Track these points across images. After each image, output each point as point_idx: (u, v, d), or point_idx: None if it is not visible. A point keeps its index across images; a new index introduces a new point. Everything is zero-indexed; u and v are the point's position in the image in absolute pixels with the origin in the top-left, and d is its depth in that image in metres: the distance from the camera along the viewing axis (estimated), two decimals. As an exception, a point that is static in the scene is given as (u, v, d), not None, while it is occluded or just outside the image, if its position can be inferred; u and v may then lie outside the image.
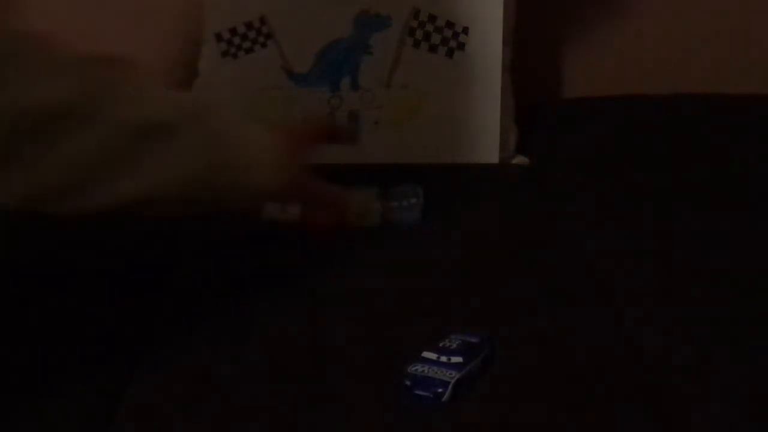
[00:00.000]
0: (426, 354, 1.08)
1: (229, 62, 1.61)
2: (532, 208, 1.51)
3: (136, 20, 1.77)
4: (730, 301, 1.23)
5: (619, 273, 1.31)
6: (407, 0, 1.61)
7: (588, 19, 1.86)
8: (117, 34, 1.77)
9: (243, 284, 1.27)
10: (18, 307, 1.18)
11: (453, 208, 1.45)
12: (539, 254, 1.36)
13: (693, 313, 1.21)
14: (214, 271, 1.31)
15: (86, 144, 0.98)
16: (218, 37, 1.60)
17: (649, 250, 1.36)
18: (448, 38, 1.61)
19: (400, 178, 1.45)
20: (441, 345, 1.09)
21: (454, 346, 1.09)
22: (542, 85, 1.87)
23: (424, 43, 1.61)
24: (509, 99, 1.65)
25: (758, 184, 1.52)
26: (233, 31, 1.60)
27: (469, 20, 1.61)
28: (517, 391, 1.07)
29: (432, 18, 1.61)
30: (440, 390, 1.04)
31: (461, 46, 1.62)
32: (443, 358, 1.07)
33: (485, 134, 1.63)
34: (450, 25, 1.61)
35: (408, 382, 1.05)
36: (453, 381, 1.04)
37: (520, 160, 1.65)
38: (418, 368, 1.06)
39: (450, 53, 1.62)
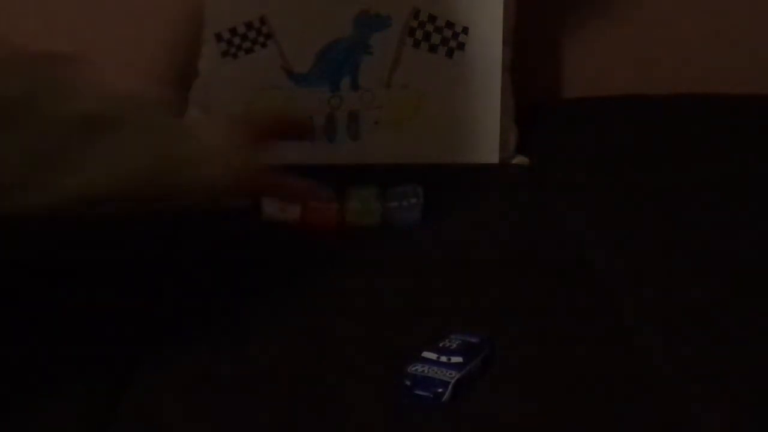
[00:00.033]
0: (426, 354, 1.08)
1: (229, 62, 1.61)
2: (532, 208, 1.51)
3: (136, 20, 1.78)
4: (730, 301, 1.23)
5: (619, 273, 1.31)
6: (407, 0, 1.61)
7: (588, 19, 1.86)
8: (116, 34, 1.78)
9: (243, 284, 1.27)
10: (18, 307, 1.18)
11: (453, 208, 1.45)
12: (539, 254, 1.36)
13: (693, 312, 1.21)
14: (214, 271, 1.31)
15: (26, 141, 0.97)
16: (218, 37, 1.60)
17: (649, 250, 1.36)
18: (448, 38, 1.61)
19: (400, 178, 1.45)
20: (441, 345, 1.09)
21: (454, 346, 1.09)
22: (542, 85, 1.87)
23: (424, 43, 1.61)
24: (509, 99, 1.65)
25: (758, 184, 1.52)
26: (233, 31, 1.60)
27: (469, 20, 1.61)
28: (517, 392, 1.07)
29: (432, 18, 1.61)
30: (440, 390, 1.04)
31: (461, 46, 1.62)
32: (443, 358, 1.07)
33: (485, 134, 1.63)
34: (450, 25, 1.61)
35: (408, 382, 1.05)
36: (453, 381, 1.04)
37: (520, 160, 1.65)
38: (418, 368, 1.06)
39: (450, 53, 1.62)
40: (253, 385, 1.08)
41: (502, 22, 1.61)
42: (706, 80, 1.82)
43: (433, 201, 1.43)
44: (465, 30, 1.61)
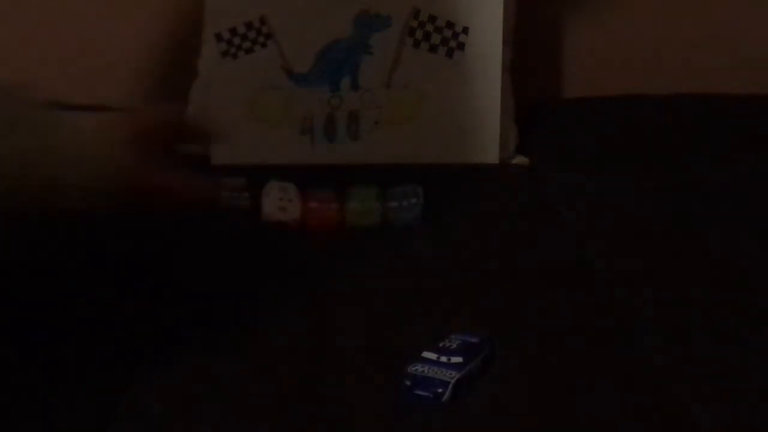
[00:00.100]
0: (426, 354, 1.08)
1: (229, 62, 1.61)
2: (532, 208, 1.51)
3: (136, 20, 1.78)
4: (730, 301, 1.23)
5: (619, 273, 1.31)
6: (407, 0, 1.61)
7: (588, 19, 1.86)
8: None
9: (243, 284, 1.27)
10: (17, 308, 1.18)
11: (453, 208, 1.45)
12: (539, 254, 1.36)
13: (693, 312, 1.21)
14: (214, 271, 1.31)
15: None
16: (218, 37, 1.60)
17: (649, 250, 1.36)
18: (448, 38, 1.61)
19: (400, 178, 1.45)
20: (441, 345, 1.09)
21: (454, 346, 1.09)
22: (542, 85, 1.87)
23: (424, 43, 1.61)
24: (509, 99, 1.65)
25: (758, 184, 1.52)
26: (233, 31, 1.60)
27: (469, 20, 1.61)
28: (516, 392, 1.07)
29: (432, 18, 1.61)
30: (440, 390, 1.04)
31: (461, 46, 1.62)
32: (443, 358, 1.07)
33: (485, 134, 1.63)
34: (450, 25, 1.61)
35: (408, 382, 1.05)
36: (453, 381, 1.04)
37: (520, 160, 1.65)
38: (418, 368, 1.06)
39: (450, 53, 1.62)
40: (253, 385, 1.08)
41: (502, 22, 1.61)
42: (706, 80, 1.82)
43: (433, 201, 1.43)
44: (465, 30, 1.61)
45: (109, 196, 1.06)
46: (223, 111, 1.61)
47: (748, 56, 1.86)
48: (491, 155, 1.63)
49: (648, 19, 1.85)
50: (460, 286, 1.27)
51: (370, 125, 1.62)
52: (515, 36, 1.65)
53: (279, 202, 1.41)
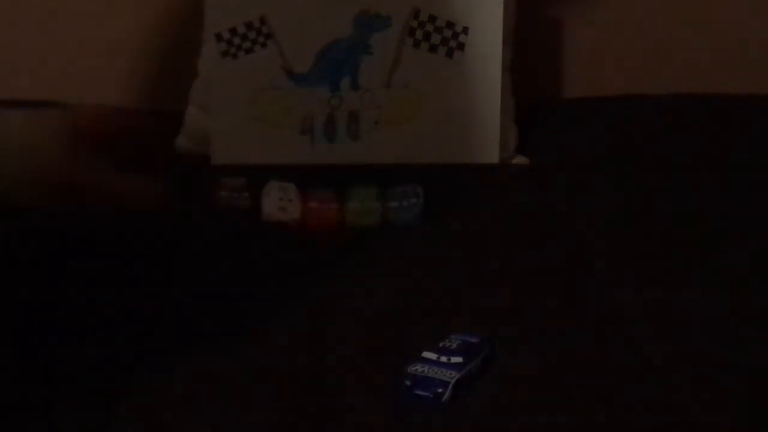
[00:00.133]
0: (426, 354, 1.08)
1: (229, 62, 1.61)
2: (532, 208, 1.51)
3: (136, 20, 1.78)
4: (730, 301, 1.23)
5: (619, 273, 1.31)
6: (407, 0, 1.61)
7: (588, 19, 1.86)
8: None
9: (243, 284, 1.27)
10: (17, 308, 1.18)
11: (453, 208, 1.45)
12: (539, 254, 1.36)
13: (693, 312, 1.21)
14: (214, 271, 1.31)
15: None
16: (218, 37, 1.60)
17: (649, 250, 1.36)
18: (448, 38, 1.61)
19: (400, 178, 1.45)
20: (441, 345, 1.09)
21: (454, 346, 1.09)
22: (542, 85, 1.87)
23: (424, 43, 1.61)
24: (509, 99, 1.65)
25: (758, 184, 1.52)
26: (233, 31, 1.60)
27: (469, 20, 1.61)
28: (517, 392, 1.07)
29: (432, 18, 1.61)
30: (440, 390, 1.04)
31: (461, 46, 1.62)
32: (443, 358, 1.07)
33: (485, 134, 1.63)
34: (450, 25, 1.61)
35: (408, 382, 1.05)
36: (453, 381, 1.04)
37: (520, 160, 1.65)
38: (418, 368, 1.06)
39: (450, 53, 1.62)
40: (253, 385, 1.08)
41: (502, 22, 1.61)
42: (706, 80, 1.82)
43: (433, 201, 1.43)
44: (465, 30, 1.61)
45: (32, 189, 1.03)
46: (223, 111, 1.61)
47: (748, 56, 1.86)
48: (491, 155, 1.63)
49: (648, 19, 1.85)
50: (460, 286, 1.27)
51: (370, 125, 1.62)
52: (515, 36, 1.65)
53: (279, 202, 1.41)
